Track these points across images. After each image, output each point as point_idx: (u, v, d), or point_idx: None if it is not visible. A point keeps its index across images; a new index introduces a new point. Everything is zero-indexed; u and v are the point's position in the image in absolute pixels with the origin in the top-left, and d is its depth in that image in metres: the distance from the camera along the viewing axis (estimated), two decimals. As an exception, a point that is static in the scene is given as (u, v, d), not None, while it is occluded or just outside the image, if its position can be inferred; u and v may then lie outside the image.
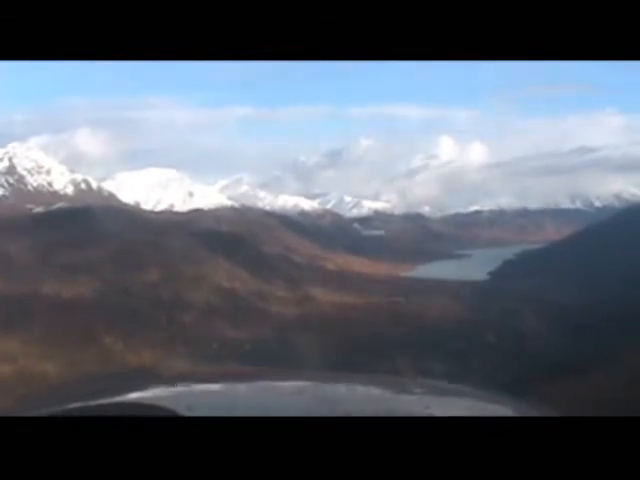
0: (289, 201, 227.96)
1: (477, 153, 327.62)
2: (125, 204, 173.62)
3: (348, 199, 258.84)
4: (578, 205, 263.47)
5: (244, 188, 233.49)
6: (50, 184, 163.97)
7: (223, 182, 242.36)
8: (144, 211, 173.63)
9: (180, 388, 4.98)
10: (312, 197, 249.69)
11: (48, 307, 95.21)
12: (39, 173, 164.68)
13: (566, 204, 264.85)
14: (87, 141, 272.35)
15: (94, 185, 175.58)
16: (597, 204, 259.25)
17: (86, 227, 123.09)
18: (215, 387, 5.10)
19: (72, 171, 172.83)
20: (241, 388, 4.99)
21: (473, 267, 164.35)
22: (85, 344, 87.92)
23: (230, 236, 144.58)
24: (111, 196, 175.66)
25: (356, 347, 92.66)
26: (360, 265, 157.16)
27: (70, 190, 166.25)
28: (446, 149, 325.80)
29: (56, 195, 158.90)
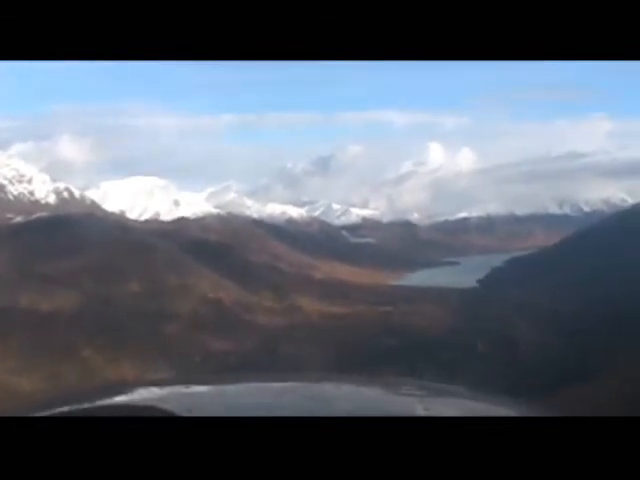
0: (277, 209, 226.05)
1: (466, 159, 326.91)
2: (109, 213, 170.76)
3: (336, 207, 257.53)
4: (567, 211, 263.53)
5: (231, 196, 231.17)
6: (31, 193, 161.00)
7: (210, 190, 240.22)
8: (128, 220, 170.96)
9: (179, 389, 5.08)
10: (300, 205, 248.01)
11: (26, 320, 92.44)
12: (20, 182, 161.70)
13: (555, 210, 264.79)
14: (70, 149, 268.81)
15: (77, 194, 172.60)
16: (586, 209, 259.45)
17: (67, 237, 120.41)
18: (214, 389, 5.07)
19: (54, 180, 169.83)
20: (237, 389, 4.98)
21: (462, 274, 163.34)
22: (64, 358, 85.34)
23: (216, 245, 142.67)
24: (94, 205, 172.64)
25: (344, 357, 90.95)
26: (348, 273, 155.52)
27: (52, 199, 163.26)
28: (435, 155, 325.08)
29: (37, 204, 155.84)
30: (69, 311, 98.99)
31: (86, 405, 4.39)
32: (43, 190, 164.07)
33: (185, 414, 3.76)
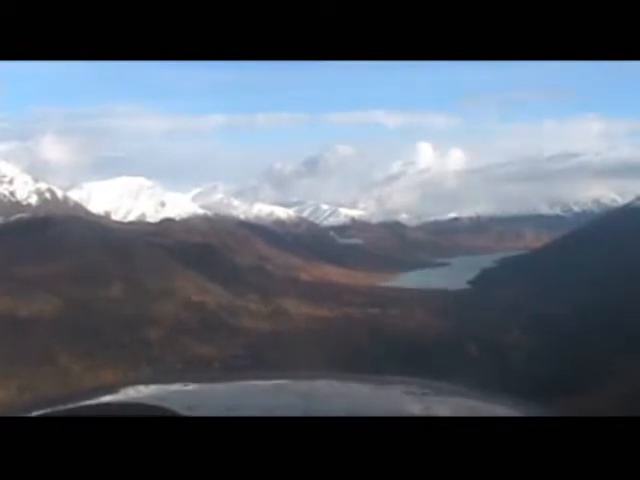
0: (264, 210, 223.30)
1: (456, 159, 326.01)
2: (92, 214, 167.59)
3: (325, 207, 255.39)
4: (557, 211, 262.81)
5: (218, 197, 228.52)
6: (12, 194, 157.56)
7: (197, 191, 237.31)
8: (112, 222, 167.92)
9: (179, 387, 5.02)
10: (288, 205, 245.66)
11: (2, 325, 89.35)
12: (1, 182, 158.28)
13: (545, 210, 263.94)
14: (54, 149, 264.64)
15: (59, 195, 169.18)
16: (576, 210, 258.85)
17: (47, 239, 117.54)
18: (215, 387, 5.19)
19: (36, 180, 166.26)
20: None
21: (452, 276, 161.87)
22: (41, 366, 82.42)
23: (202, 247, 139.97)
24: (77, 206, 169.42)
25: (332, 361, 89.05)
26: (337, 275, 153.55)
27: (34, 200, 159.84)
28: (424, 156, 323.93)
29: (18, 205, 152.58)
30: (47, 316, 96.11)
31: (78, 405, 4.28)
32: (25, 191, 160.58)
33: (185, 413, 3.62)
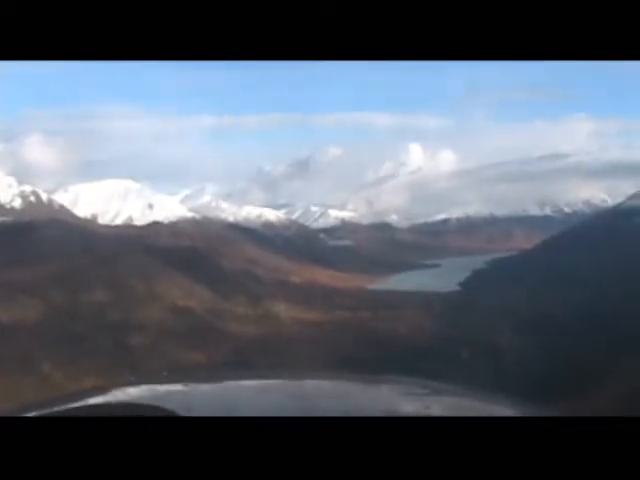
0: (253, 212, 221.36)
1: (446, 160, 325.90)
2: (78, 218, 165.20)
3: (314, 209, 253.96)
4: (547, 212, 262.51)
5: (207, 199, 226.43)
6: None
7: (185, 193, 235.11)
8: (97, 225, 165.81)
9: (178, 387, 5.03)
10: (277, 207, 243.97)
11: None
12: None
13: (535, 211, 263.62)
14: (39, 151, 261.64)
15: (44, 198, 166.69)
16: (567, 210, 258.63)
17: (30, 243, 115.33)
18: (213, 387, 5.12)
19: (20, 183, 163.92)
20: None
21: (443, 277, 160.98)
22: (22, 373, 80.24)
23: (189, 250, 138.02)
24: (63, 209, 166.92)
25: (323, 365, 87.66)
26: (327, 278, 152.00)
27: (18, 203, 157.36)
28: (414, 157, 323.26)
29: (2, 209, 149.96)
30: (30, 322, 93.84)
31: (84, 404, 4.24)
32: (8, 194, 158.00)
33: (184, 413, 3.69)
